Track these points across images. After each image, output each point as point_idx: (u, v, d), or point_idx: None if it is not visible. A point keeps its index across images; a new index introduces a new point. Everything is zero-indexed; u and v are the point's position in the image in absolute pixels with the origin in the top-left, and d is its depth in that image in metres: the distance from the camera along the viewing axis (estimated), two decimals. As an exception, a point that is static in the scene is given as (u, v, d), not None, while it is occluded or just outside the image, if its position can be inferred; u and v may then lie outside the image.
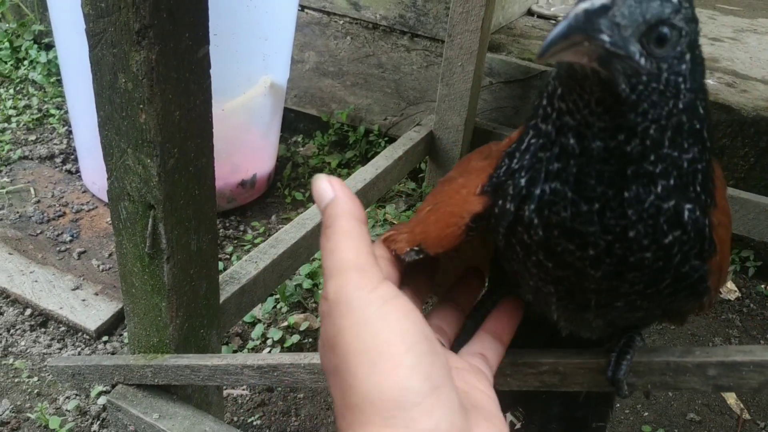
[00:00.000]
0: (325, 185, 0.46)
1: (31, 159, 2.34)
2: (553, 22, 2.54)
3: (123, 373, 1.10)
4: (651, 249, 0.51)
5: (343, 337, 0.40)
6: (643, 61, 0.44)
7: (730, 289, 2.01)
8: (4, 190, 2.16)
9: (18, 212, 2.08)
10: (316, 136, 2.55)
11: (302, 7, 2.38)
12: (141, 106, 0.83)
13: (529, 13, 2.63)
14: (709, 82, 2.12)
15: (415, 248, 0.58)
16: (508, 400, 0.84)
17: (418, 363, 0.39)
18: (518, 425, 0.88)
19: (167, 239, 0.94)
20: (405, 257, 0.58)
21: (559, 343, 0.72)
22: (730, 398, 1.66)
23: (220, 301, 1.20)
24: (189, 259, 0.99)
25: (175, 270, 0.98)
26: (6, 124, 2.50)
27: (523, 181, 0.52)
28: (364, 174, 1.81)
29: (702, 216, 0.51)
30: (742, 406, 1.64)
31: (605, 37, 0.41)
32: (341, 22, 2.35)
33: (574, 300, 0.59)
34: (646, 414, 1.61)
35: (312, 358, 0.89)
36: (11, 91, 2.70)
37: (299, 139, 2.61)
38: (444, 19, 2.14)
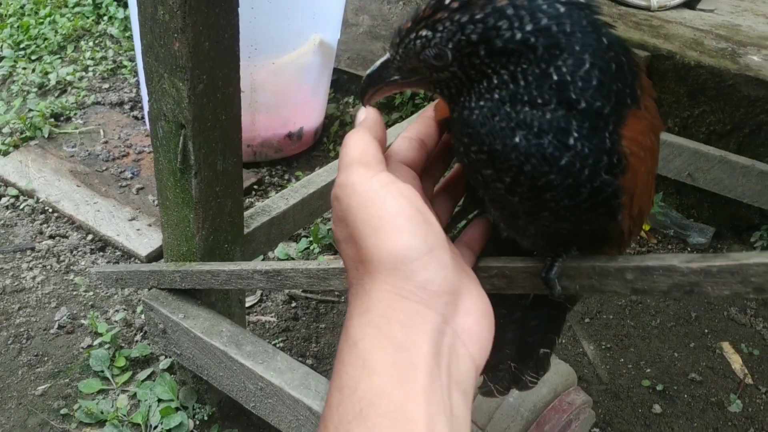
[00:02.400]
0: (363, 110, 0.60)
1: (103, 104, 2.55)
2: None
3: (156, 278, 1.26)
4: (553, 171, 0.58)
5: (351, 213, 0.50)
6: (435, 75, 0.57)
7: None
8: (77, 131, 2.38)
9: (88, 150, 2.29)
10: (365, 97, 2.66)
11: (357, -26, 2.49)
12: (175, 35, 0.97)
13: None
14: (755, 58, 2.13)
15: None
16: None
17: (416, 229, 0.48)
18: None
19: (195, 156, 1.08)
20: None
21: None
22: (736, 363, 1.71)
23: (251, 229, 1.35)
24: (215, 176, 1.14)
25: (201, 185, 1.12)
26: (83, 73, 2.72)
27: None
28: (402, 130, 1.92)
29: (591, 131, 0.57)
30: (746, 371, 1.69)
31: (396, 77, 0.58)
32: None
33: (506, 208, 0.69)
34: (648, 370, 1.67)
35: (308, 264, 1.02)
36: (90, 43, 2.93)
37: (350, 100, 2.73)
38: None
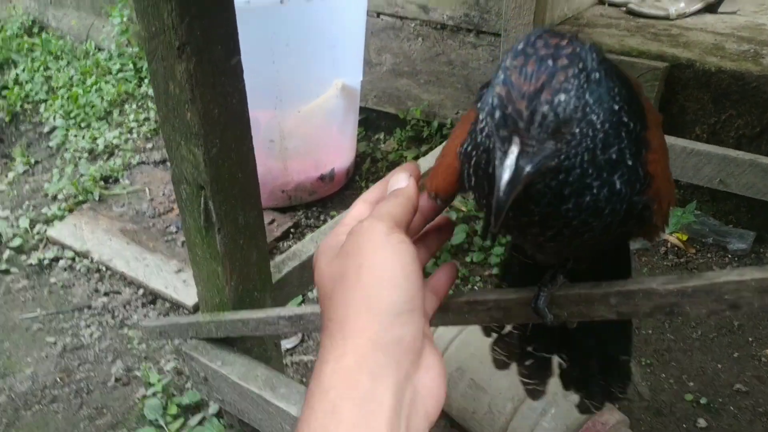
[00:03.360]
0: (404, 178, 0.65)
1: (147, 164, 2.70)
2: (624, 9, 2.57)
3: (194, 329, 1.34)
4: (597, 222, 0.62)
5: (362, 253, 0.55)
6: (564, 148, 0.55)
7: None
8: (125, 191, 2.52)
9: (135, 209, 2.43)
10: (395, 132, 2.74)
11: (377, 14, 2.58)
12: (186, 106, 1.05)
13: (601, 2, 2.68)
14: (778, 58, 2.10)
15: (432, 194, 0.74)
16: (553, 343, 0.97)
17: (408, 288, 0.53)
18: (565, 365, 0.99)
19: (217, 214, 1.16)
20: (437, 200, 0.73)
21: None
22: (783, 371, 1.67)
23: (282, 274, 1.42)
24: (237, 230, 1.21)
25: (226, 240, 1.20)
26: (128, 135, 2.89)
27: (471, 172, 0.65)
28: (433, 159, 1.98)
29: (630, 167, 0.61)
30: (795, 378, 1.65)
31: (528, 168, 0.52)
32: (413, 24, 2.52)
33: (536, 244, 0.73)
34: (691, 384, 1.65)
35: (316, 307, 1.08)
36: (134, 106, 3.11)
37: (381, 136, 2.81)
38: (503, 15, 2.26)
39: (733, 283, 0.67)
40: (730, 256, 2.08)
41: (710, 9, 2.51)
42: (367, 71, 2.66)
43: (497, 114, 0.51)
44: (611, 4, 2.64)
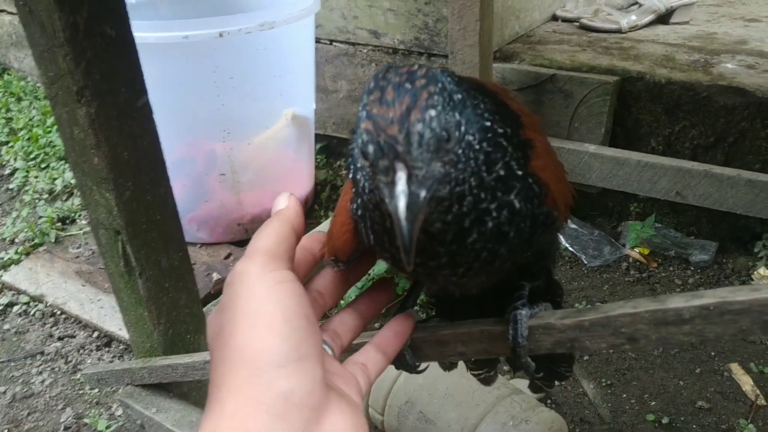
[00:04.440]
0: (283, 199, 0.58)
1: (106, 202, 2.66)
2: (577, 24, 2.57)
3: (129, 375, 1.30)
4: (505, 247, 0.60)
5: (236, 302, 0.48)
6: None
7: (762, 275, 1.96)
8: (81, 231, 2.48)
9: (92, 249, 2.38)
10: (356, 158, 2.71)
11: (330, 41, 2.57)
12: (92, 150, 1.02)
13: (554, 18, 2.67)
14: (728, 66, 2.10)
15: (332, 258, 0.70)
16: (512, 366, 0.96)
17: (292, 335, 0.46)
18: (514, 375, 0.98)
19: (136, 258, 1.12)
20: (333, 267, 0.69)
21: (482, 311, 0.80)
22: (746, 384, 1.64)
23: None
24: (161, 274, 1.17)
25: (149, 284, 1.16)
26: (88, 174, 2.85)
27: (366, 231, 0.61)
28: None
29: (521, 178, 0.59)
30: (758, 391, 1.61)
31: (422, 193, 0.48)
32: (365, 50, 2.51)
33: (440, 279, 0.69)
34: (653, 403, 1.62)
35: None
36: (94, 144, 3.07)
37: (342, 163, 2.78)
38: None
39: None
40: (692, 268, 2.06)
41: (662, 20, 2.51)
42: (324, 99, 2.64)
43: (370, 148, 0.48)
44: (565, 20, 2.64)
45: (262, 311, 0.47)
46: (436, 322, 0.83)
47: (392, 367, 1.46)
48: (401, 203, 0.47)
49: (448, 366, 1.00)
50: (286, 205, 0.57)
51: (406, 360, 0.80)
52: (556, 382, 0.95)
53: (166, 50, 1.82)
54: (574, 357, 0.95)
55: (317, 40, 2.47)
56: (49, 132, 3.15)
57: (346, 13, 2.47)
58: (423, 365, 0.82)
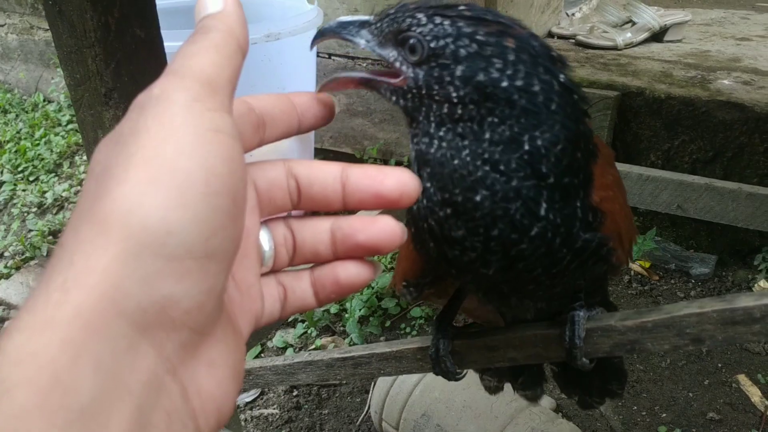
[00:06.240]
0: None
1: (99, 215, 2.61)
2: (573, 41, 2.60)
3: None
4: (524, 241, 0.56)
5: (139, 136, 0.31)
6: (398, 64, 0.53)
7: (763, 288, 1.98)
8: (75, 245, 2.44)
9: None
10: (353, 172, 2.70)
11: (329, 55, 2.57)
12: (118, 154, 1.00)
13: (549, 35, 2.70)
14: (725, 82, 2.13)
15: (404, 283, 0.68)
16: (560, 383, 0.94)
17: (207, 218, 0.31)
18: (557, 369, 0.98)
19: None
20: (407, 296, 0.68)
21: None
22: (755, 395, 1.64)
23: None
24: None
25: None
26: (79, 187, 2.80)
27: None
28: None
29: (563, 202, 0.56)
30: (767, 402, 1.62)
31: (361, 41, 0.53)
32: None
33: (494, 293, 0.67)
34: (664, 415, 1.61)
35: (275, 361, 1.01)
36: (84, 157, 3.02)
37: (338, 177, 2.77)
38: (454, 51, 2.26)
39: (694, 315, 0.63)
40: (693, 281, 2.07)
41: (656, 38, 2.55)
42: (322, 112, 2.63)
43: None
44: (561, 37, 2.67)
45: (175, 165, 0.31)
46: (479, 328, 0.82)
47: (407, 379, 1.44)
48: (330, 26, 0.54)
49: (494, 390, 0.98)
50: (221, 7, 0.38)
51: (447, 366, 0.79)
52: (608, 399, 0.94)
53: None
54: (627, 375, 0.94)
55: (316, 54, 2.47)
56: (38, 145, 3.10)
57: (345, 27, 2.47)
58: (463, 372, 0.81)
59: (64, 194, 2.73)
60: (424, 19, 0.52)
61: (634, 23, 2.55)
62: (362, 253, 0.44)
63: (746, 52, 2.43)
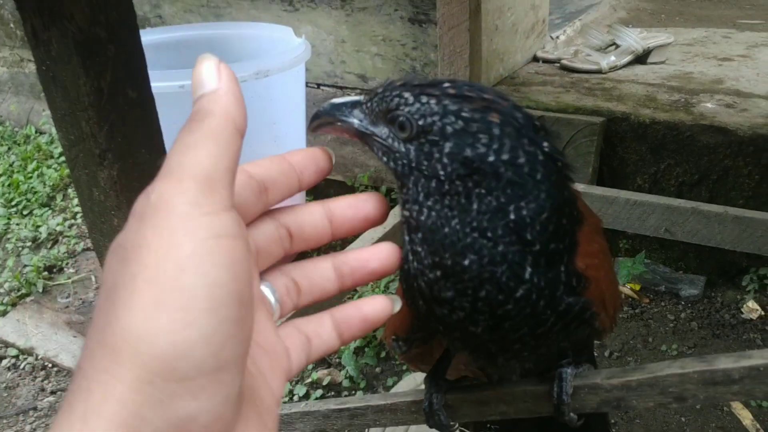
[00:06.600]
0: (211, 69, 0.37)
1: (93, 250, 2.62)
2: (558, 65, 2.64)
3: None
4: (510, 302, 0.58)
5: (141, 256, 0.31)
6: (390, 140, 0.56)
7: (751, 309, 2.01)
8: (70, 280, 2.44)
9: (81, 299, 2.34)
10: (345, 199, 2.72)
11: (318, 85, 2.60)
12: (113, 212, 1.02)
13: (535, 59, 2.74)
14: (708, 105, 2.17)
15: (393, 337, 0.70)
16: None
17: (215, 332, 0.31)
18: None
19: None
20: (397, 350, 0.70)
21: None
22: (746, 419, 1.67)
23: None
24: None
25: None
26: (73, 220, 2.81)
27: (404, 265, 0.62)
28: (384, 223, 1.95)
29: (547, 266, 0.59)
30: (758, 426, 1.64)
31: (354, 121, 0.56)
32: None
33: (481, 351, 0.70)
34: (657, 441, 1.64)
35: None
36: (77, 189, 3.04)
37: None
38: (441, 80, 2.29)
39: (675, 376, 0.66)
40: (683, 302, 2.10)
41: (640, 60, 2.59)
42: (312, 142, 2.66)
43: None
44: (546, 61, 2.71)
45: (178, 284, 0.31)
46: (471, 382, 0.84)
47: (393, 428, 1.46)
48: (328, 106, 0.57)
49: None
50: (216, 85, 0.36)
51: (440, 419, 0.81)
52: None
53: (162, 100, 1.81)
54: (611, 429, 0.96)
55: (305, 84, 2.50)
56: (30, 178, 3.11)
57: (333, 57, 2.50)
58: (456, 425, 0.83)
59: (58, 228, 2.74)
60: (411, 99, 0.54)
61: (617, 46, 2.59)
62: (371, 279, 0.49)
63: (728, 73, 2.47)
